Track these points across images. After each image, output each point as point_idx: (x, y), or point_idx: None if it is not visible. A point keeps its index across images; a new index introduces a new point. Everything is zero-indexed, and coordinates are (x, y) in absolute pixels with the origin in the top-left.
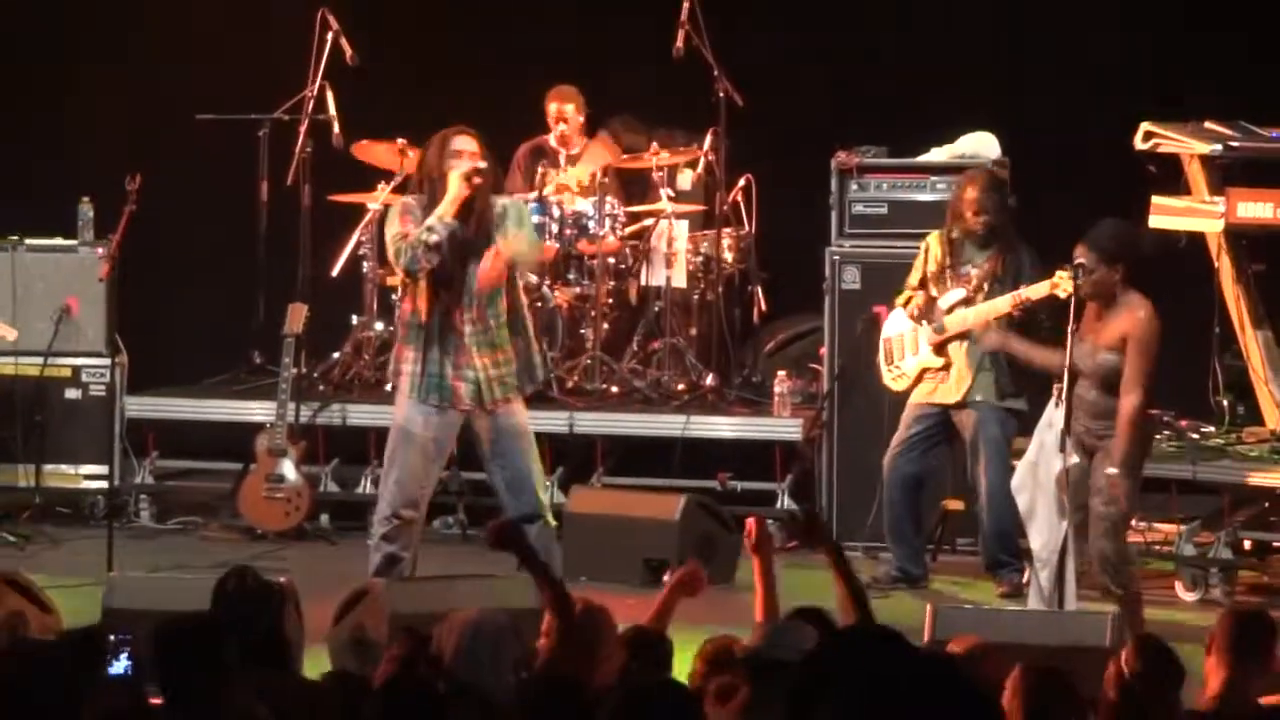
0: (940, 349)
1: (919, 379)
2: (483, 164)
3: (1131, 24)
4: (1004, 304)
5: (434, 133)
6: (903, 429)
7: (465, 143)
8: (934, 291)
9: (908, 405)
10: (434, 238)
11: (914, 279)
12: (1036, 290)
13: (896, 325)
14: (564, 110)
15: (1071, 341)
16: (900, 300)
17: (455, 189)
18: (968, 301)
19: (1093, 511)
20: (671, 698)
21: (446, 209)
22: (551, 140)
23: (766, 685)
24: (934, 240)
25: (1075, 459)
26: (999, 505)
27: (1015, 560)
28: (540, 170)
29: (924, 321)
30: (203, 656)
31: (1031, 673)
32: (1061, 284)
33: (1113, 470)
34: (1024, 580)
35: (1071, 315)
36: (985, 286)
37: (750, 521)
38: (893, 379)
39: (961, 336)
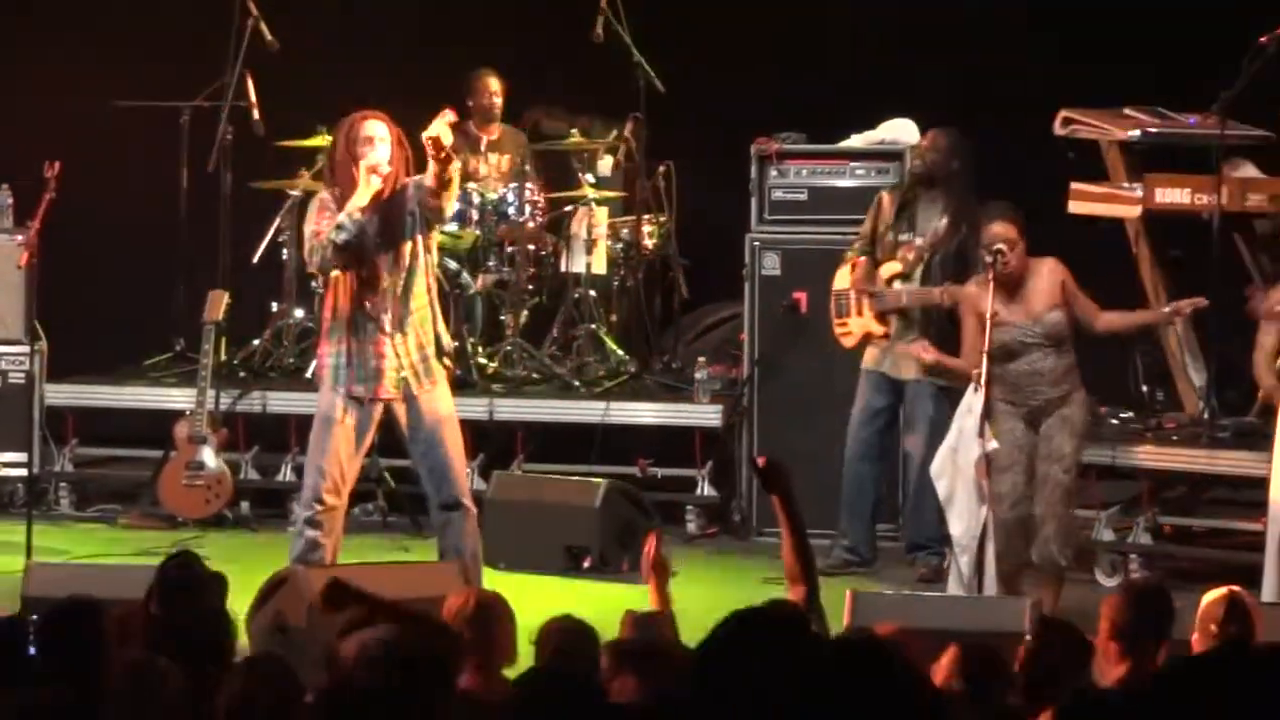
0: (882, 317)
1: (863, 339)
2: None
3: (1049, 9)
4: (936, 295)
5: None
6: (859, 397)
7: (375, 128)
8: (879, 254)
9: (861, 371)
10: (342, 236)
11: (865, 231)
12: (959, 292)
13: (845, 281)
14: (490, 84)
15: (992, 325)
16: (848, 255)
17: (364, 182)
18: (905, 276)
19: (1051, 481)
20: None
21: (357, 204)
22: (473, 126)
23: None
24: (886, 198)
25: (994, 444)
26: (923, 487)
27: (935, 544)
28: (461, 157)
29: (862, 291)
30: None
31: (968, 649)
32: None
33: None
34: (944, 564)
35: (990, 301)
36: (926, 259)
37: (650, 544)
38: (841, 335)
39: (898, 311)
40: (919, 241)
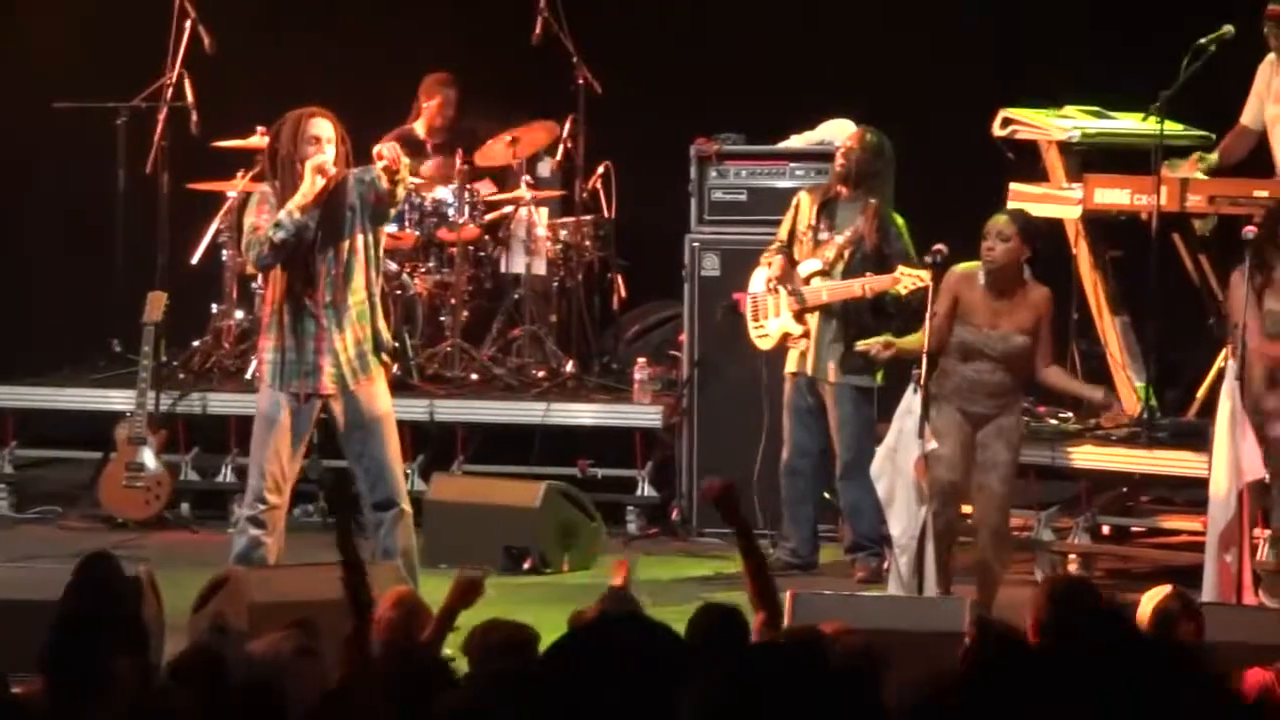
0: (800, 316)
1: (781, 341)
2: (333, 154)
3: (988, 8)
4: (856, 288)
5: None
6: (788, 401)
7: (322, 127)
8: (796, 254)
9: (785, 376)
10: (280, 235)
11: (783, 232)
12: (879, 283)
13: (761, 282)
14: (447, 98)
15: (951, 317)
16: (765, 255)
17: (309, 182)
18: (825, 274)
19: (988, 490)
20: None
21: (298, 202)
22: (418, 129)
23: None
24: (805, 198)
25: (934, 444)
26: (854, 488)
27: (874, 545)
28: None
29: (781, 288)
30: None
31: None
32: (902, 279)
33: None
34: (884, 565)
35: (930, 300)
36: (847, 255)
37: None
38: (758, 337)
39: (819, 308)
40: (840, 239)
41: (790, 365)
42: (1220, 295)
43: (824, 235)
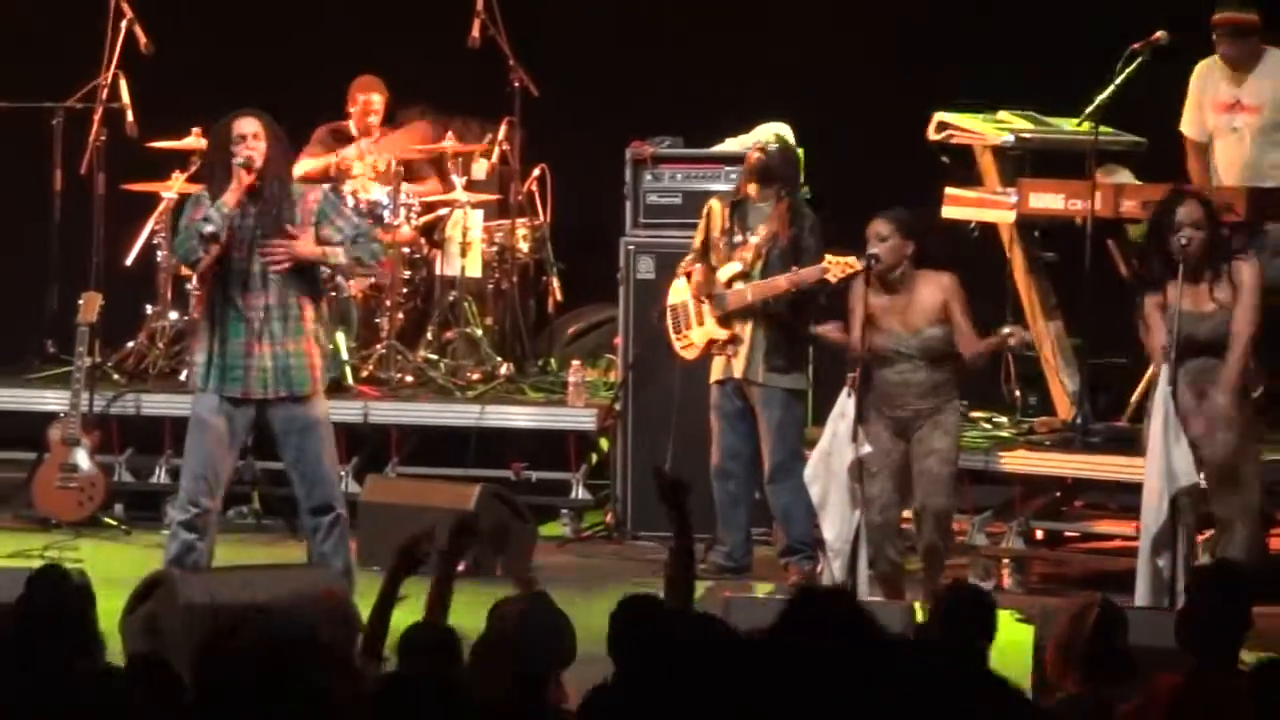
0: (724, 321)
1: (706, 348)
2: (260, 149)
3: (924, 12)
4: (782, 283)
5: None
6: (715, 407)
7: (248, 125)
8: (713, 261)
9: (712, 384)
10: (208, 228)
11: (697, 242)
12: (809, 273)
13: (681, 293)
14: (371, 101)
15: (865, 324)
16: (683, 266)
17: (236, 179)
18: (746, 275)
19: (929, 473)
20: None
21: (226, 198)
22: (352, 127)
23: None
24: (716, 205)
25: (867, 448)
26: (783, 490)
27: (807, 548)
28: (337, 157)
29: (703, 296)
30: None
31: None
32: (831, 268)
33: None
34: (818, 569)
35: (862, 298)
36: (764, 254)
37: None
38: (682, 348)
39: (743, 310)
40: (755, 239)
41: (715, 373)
42: None
43: (739, 238)
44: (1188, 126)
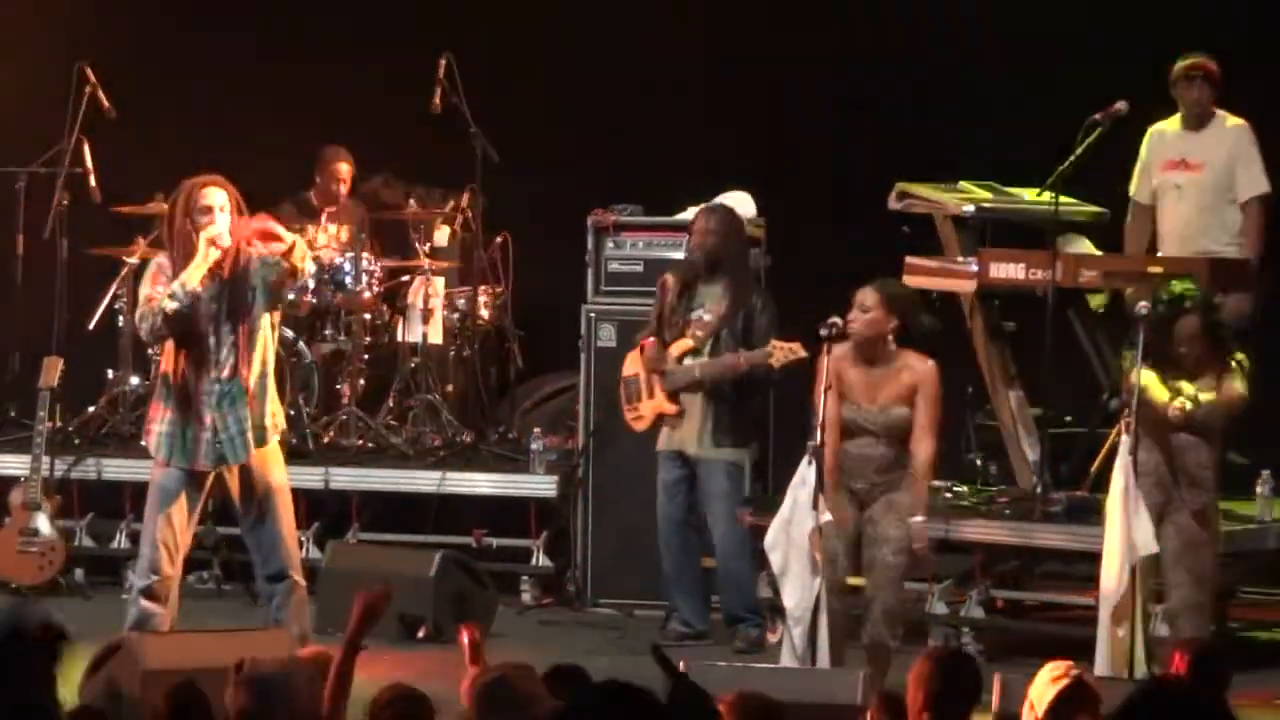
0: (673, 396)
1: (656, 420)
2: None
3: (885, 83)
4: (729, 363)
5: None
6: (660, 478)
7: (214, 196)
8: (666, 335)
9: (658, 454)
10: (173, 306)
11: (652, 316)
12: (754, 357)
13: (635, 365)
14: (339, 169)
15: (826, 399)
16: (638, 338)
17: (203, 253)
18: (696, 352)
19: (880, 562)
20: None
21: (191, 275)
22: (313, 198)
23: None
24: (670, 279)
25: (828, 516)
26: (730, 560)
27: (754, 615)
28: (299, 226)
29: (654, 370)
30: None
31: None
32: (775, 354)
33: (919, 519)
34: (766, 635)
35: (824, 373)
36: (715, 333)
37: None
38: (632, 419)
39: (691, 386)
40: (708, 318)
41: (661, 445)
42: (1113, 370)
43: (692, 315)
44: (1134, 188)
